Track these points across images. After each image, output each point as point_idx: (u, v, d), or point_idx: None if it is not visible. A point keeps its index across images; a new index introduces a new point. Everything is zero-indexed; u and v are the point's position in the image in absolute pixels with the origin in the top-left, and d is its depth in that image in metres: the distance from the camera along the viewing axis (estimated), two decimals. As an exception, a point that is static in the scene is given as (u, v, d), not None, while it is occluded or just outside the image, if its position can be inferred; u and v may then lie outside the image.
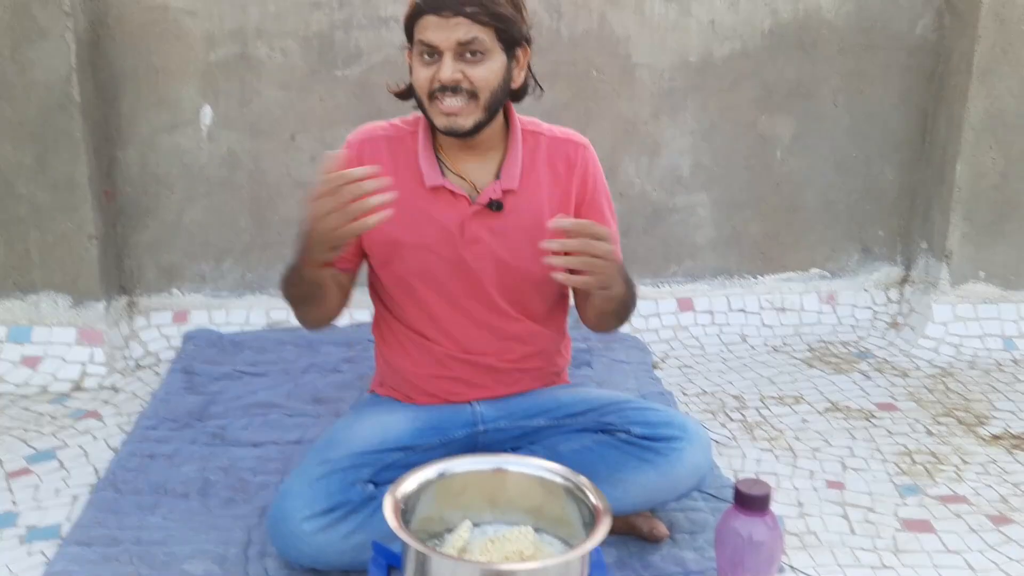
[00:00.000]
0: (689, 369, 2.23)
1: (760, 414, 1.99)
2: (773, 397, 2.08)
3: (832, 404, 2.04)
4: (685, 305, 2.47)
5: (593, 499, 1.04)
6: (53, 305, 2.11)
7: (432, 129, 1.39)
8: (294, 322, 2.29)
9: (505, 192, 1.39)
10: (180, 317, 2.27)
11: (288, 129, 2.25)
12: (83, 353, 2.08)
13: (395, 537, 0.98)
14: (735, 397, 2.07)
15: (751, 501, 1.16)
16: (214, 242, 2.28)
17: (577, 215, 1.42)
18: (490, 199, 1.38)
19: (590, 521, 1.04)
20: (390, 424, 1.45)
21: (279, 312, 2.32)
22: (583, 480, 1.08)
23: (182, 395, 1.92)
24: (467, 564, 0.92)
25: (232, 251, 2.30)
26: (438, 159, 1.40)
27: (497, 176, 1.40)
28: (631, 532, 1.46)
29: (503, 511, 1.12)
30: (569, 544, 1.08)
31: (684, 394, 2.09)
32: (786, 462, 1.78)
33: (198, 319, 2.27)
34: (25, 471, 1.68)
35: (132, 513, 1.51)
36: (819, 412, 2.00)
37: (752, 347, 2.37)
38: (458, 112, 1.30)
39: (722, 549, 1.19)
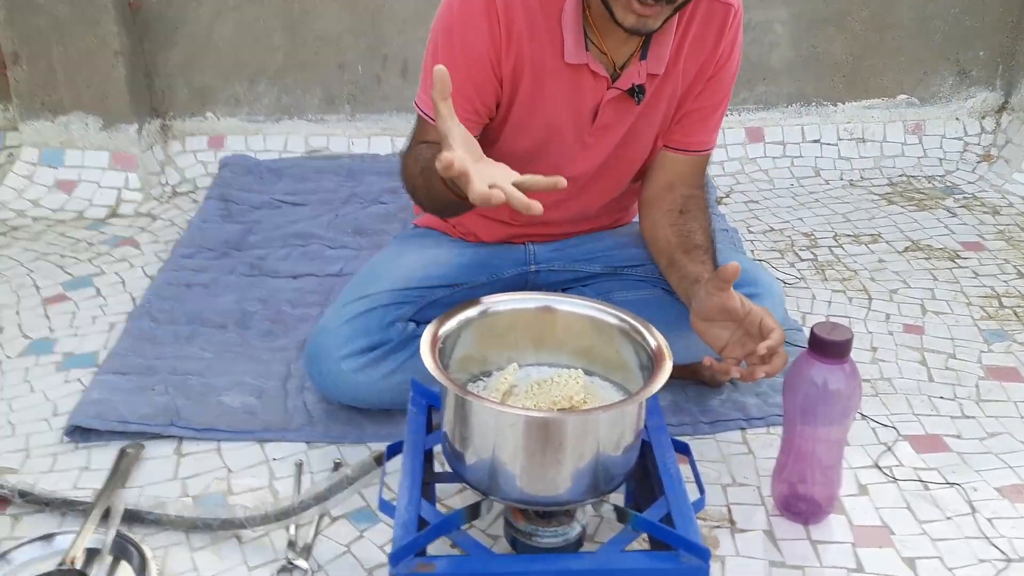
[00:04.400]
0: (756, 205, 2.07)
1: (833, 253, 1.84)
2: (848, 235, 1.91)
3: (913, 243, 1.88)
4: (754, 135, 2.27)
5: (651, 341, 0.93)
6: (83, 127, 2.01)
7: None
8: (334, 149, 2.22)
9: (650, 76, 1.18)
10: (216, 142, 2.16)
11: (321, -68, 2.04)
12: (118, 178, 2.00)
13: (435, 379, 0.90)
14: (806, 235, 1.92)
15: (829, 347, 1.04)
16: (246, 61, 2.13)
17: (700, 87, 1.22)
18: (632, 84, 1.17)
19: (647, 364, 0.93)
20: (435, 259, 1.34)
21: (318, 139, 2.19)
22: (640, 320, 0.96)
23: (219, 223, 1.84)
24: (510, 412, 0.83)
25: (266, 71, 2.14)
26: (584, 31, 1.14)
27: (643, 55, 1.16)
28: (690, 376, 1.36)
29: (551, 353, 1.02)
30: (625, 389, 0.98)
31: (750, 231, 1.94)
32: (860, 304, 1.65)
33: (234, 144, 2.16)
34: (62, 297, 1.63)
35: (168, 343, 1.46)
36: (898, 252, 1.84)
37: (826, 181, 2.19)
38: (652, 14, 1.04)
39: (791, 396, 1.09)
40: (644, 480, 0.98)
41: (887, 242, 1.88)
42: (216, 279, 1.64)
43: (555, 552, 0.93)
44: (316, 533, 1.10)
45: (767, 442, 1.28)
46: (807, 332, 1.54)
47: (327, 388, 1.26)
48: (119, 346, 1.45)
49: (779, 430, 1.29)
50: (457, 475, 0.92)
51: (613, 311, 0.99)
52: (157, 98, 2.13)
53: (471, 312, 0.98)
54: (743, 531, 1.12)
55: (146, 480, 1.20)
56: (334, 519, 1.13)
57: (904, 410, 1.35)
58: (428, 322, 1.30)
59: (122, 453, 1.22)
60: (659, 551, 0.89)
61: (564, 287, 1.38)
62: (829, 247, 1.87)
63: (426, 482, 0.96)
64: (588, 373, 1.01)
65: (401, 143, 2.08)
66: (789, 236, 1.91)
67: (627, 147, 1.25)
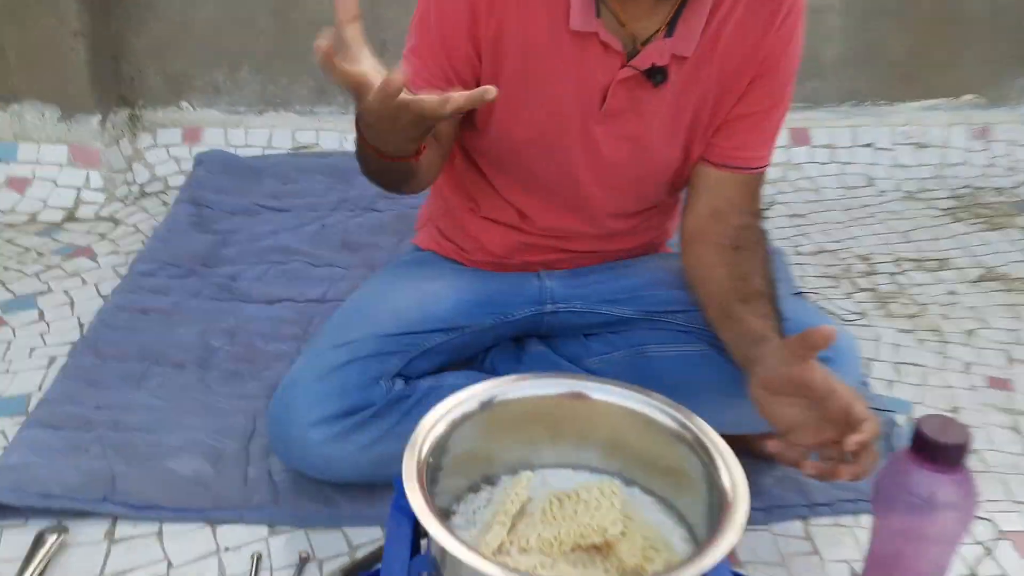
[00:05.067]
0: (802, 220, 1.81)
1: (895, 282, 1.59)
2: (911, 259, 1.66)
3: (987, 270, 1.63)
4: (799, 137, 2.01)
5: (725, 477, 0.68)
6: (39, 118, 1.76)
7: None
8: (325, 146, 1.97)
9: (675, 59, 0.94)
10: (191, 136, 1.91)
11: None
12: (77, 176, 1.76)
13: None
14: (862, 258, 1.67)
15: (941, 452, 0.79)
16: (228, 46, 1.88)
17: (746, 84, 0.98)
18: (652, 64, 0.94)
19: (706, 477, 0.69)
20: (432, 295, 1.10)
21: (307, 134, 1.94)
22: (710, 436, 0.72)
23: (188, 233, 1.60)
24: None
25: (250, 58, 1.89)
26: None
27: (669, 31, 0.93)
28: (741, 447, 1.11)
29: (575, 447, 0.78)
30: (673, 510, 0.74)
31: (797, 253, 1.68)
32: (932, 349, 1.40)
33: (212, 139, 1.91)
34: (-2, 322, 1.40)
35: (113, 386, 1.22)
36: (971, 281, 1.59)
37: (880, 192, 1.93)
38: None
39: (884, 506, 0.84)
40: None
41: (957, 269, 1.63)
42: (178, 304, 1.40)
43: None
44: (271, 662, 0.87)
45: (835, 538, 1.04)
46: (871, 384, 1.30)
47: (291, 460, 1.03)
48: (53, 391, 1.21)
49: (849, 520, 1.05)
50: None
51: (671, 410, 0.73)
52: (125, 85, 1.88)
53: (471, 405, 0.73)
54: (813, 668, 0.89)
55: None
56: (296, 640, 0.90)
57: (1001, 495, 1.11)
58: (420, 376, 1.09)
59: (38, 540, 0.98)
60: None
61: (587, 332, 1.14)
62: (890, 274, 1.62)
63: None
64: (622, 479, 0.77)
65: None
66: (843, 259, 1.66)
67: (646, 145, 1.01)
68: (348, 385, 1.00)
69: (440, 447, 0.70)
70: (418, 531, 0.81)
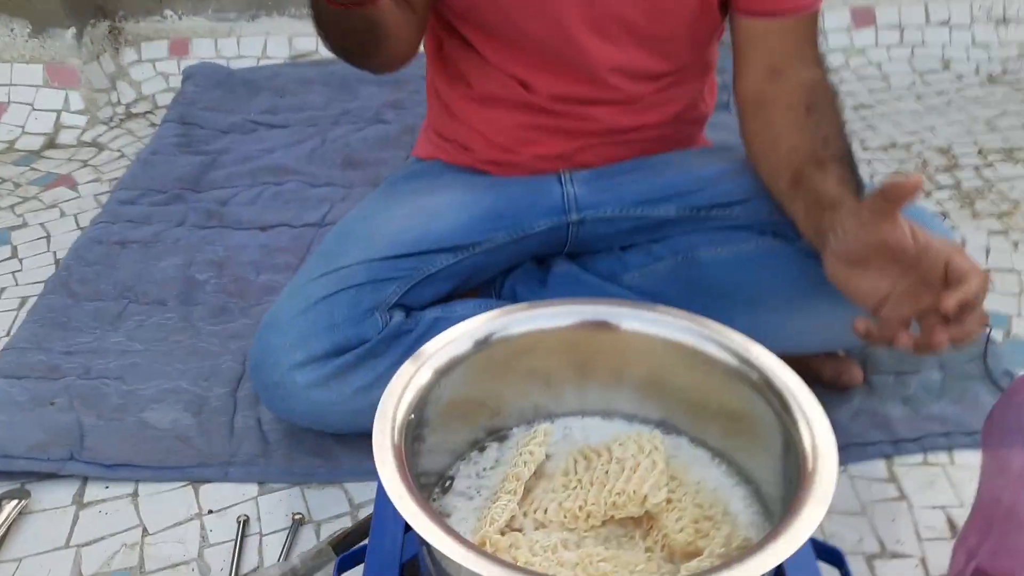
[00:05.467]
0: (868, 111, 1.59)
1: (981, 176, 1.37)
2: (997, 150, 1.44)
3: (1089, 160, 1.40)
4: (863, 18, 1.76)
5: (804, 431, 0.50)
6: (8, 34, 1.60)
7: None
8: (325, 54, 1.77)
9: None
10: (179, 48, 1.73)
11: None
12: (56, 98, 1.60)
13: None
14: (941, 151, 1.45)
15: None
16: (212, -58, 1.68)
17: None
18: None
19: (775, 424, 0.52)
20: (434, 210, 0.92)
21: (305, 40, 1.75)
22: (771, 363, 0.54)
23: (173, 155, 1.44)
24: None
25: (238, -45, 1.70)
26: None
27: None
28: (807, 374, 0.94)
29: (604, 389, 0.61)
30: (731, 462, 0.57)
31: (864, 148, 1.47)
32: (1029, 252, 1.20)
33: (201, 50, 1.73)
34: (-32, 262, 1.26)
35: (86, 328, 1.08)
36: (1070, 172, 1.37)
37: (958, 77, 1.69)
38: None
39: (1001, 444, 0.67)
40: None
41: (1053, 159, 1.41)
42: (160, 235, 1.25)
43: None
44: (256, 647, 0.74)
45: (926, 479, 0.87)
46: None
47: (277, 408, 0.88)
48: (19, 336, 1.08)
49: (942, 458, 0.88)
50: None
51: (727, 339, 0.56)
52: (102, -6, 1.70)
53: (463, 345, 0.56)
54: (906, 642, 0.73)
55: (28, 548, 0.84)
56: (285, 619, 0.76)
57: None
58: (424, 306, 0.92)
59: (-5, 507, 0.86)
60: None
61: (623, 244, 0.96)
62: (975, 167, 1.40)
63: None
64: (665, 429, 0.60)
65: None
66: (919, 154, 1.44)
67: None
68: (336, 319, 0.85)
69: (426, 402, 0.54)
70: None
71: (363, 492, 0.89)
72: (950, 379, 0.97)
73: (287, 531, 0.84)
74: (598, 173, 0.94)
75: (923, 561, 0.79)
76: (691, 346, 0.57)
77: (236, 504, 0.88)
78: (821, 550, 0.59)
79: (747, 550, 0.42)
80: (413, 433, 0.52)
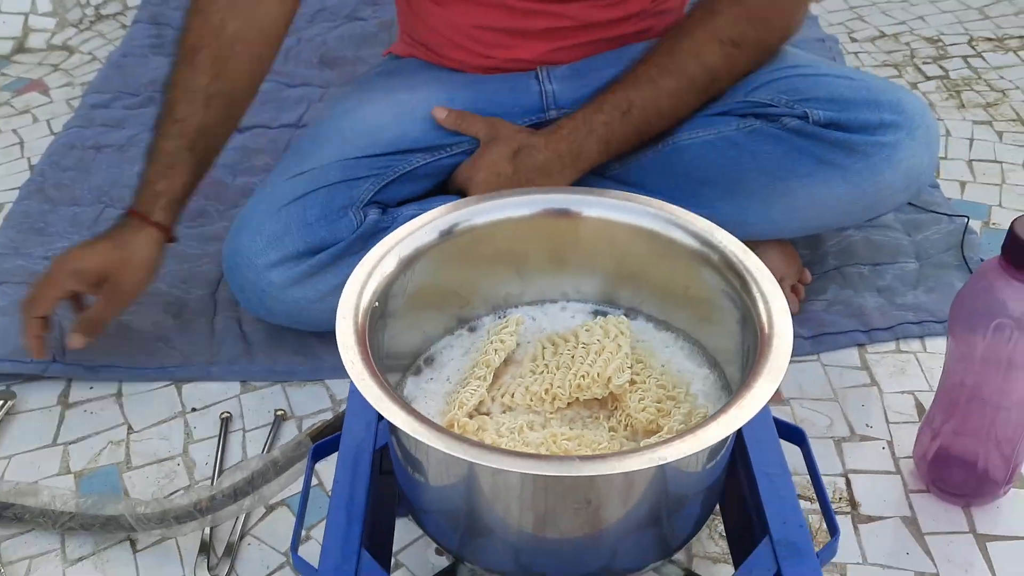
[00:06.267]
0: (858, 1, 1.55)
1: (970, 66, 1.35)
2: (989, 39, 1.41)
3: (1081, 48, 1.37)
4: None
5: (760, 305, 0.51)
6: (-33, -67, 1.53)
7: None
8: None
9: None
10: (147, -56, 1.67)
11: None
12: (21, 0, 1.55)
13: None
14: (930, 41, 1.42)
15: (1048, 260, 0.62)
16: None
17: None
18: None
19: (738, 306, 0.53)
20: (409, 109, 0.91)
21: (277, -67, 1.67)
22: (733, 245, 0.54)
23: (145, 57, 1.40)
24: (502, 466, 0.43)
25: None
26: None
27: None
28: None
29: (571, 278, 0.61)
30: (694, 343, 0.58)
31: (852, 40, 1.44)
32: (1016, 142, 1.19)
33: (171, -54, 1.67)
34: (-59, 169, 1.25)
35: (64, 233, 1.08)
36: (1061, 61, 1.35)
37: (952, -37, 1.64)
38: None
39: (964, 324, 0.68)
40: (733, 496, 0.60)
41: (1044, 47, 1.38)
42: (135, 138, 1.23)
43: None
44: (242, 535, 0.76)
45: (897, 366, 0.89)
46: (943, 190, 1.10)
47: (254, 308, 0.88)
48: (-4, 241, 1.07)
49: (914, 346, 0.89)
50: (416, 522, 0.54)
51: (690, 224, 0.56)
52: None
53: (428, 235, 0.56)
54: (870, 519, 0.75)
55: (16, 446, 0.86)
56: (270, 508, 0.79)
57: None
58: (400, 205, 0.92)
59: (-19, 409, 0.87)
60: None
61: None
62: (964, 57, 1.37)
63: (379, 504, 0.59)
64: (632, 315, 0.61)
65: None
66: (907, 44, 1.41)
67: None
68: (309, 218, 0.84)
69: (391, 290, 0.54)
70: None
71: (345, 389, 0.90)
72: (926, 268, 0.98)
73: (270, 427, 0.86)
74: (575, 69, 0.93)
75: (890, 443, 0.81)
76: (655, 231, 0.56)
77: (219, 402, 0.89)
78: (784, 430, 0.60)
79: (700, 422, 0.43)
80: (378, 322, 0.53)
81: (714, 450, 0.48)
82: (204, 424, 0.87)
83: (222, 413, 0.87)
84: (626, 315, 0.60)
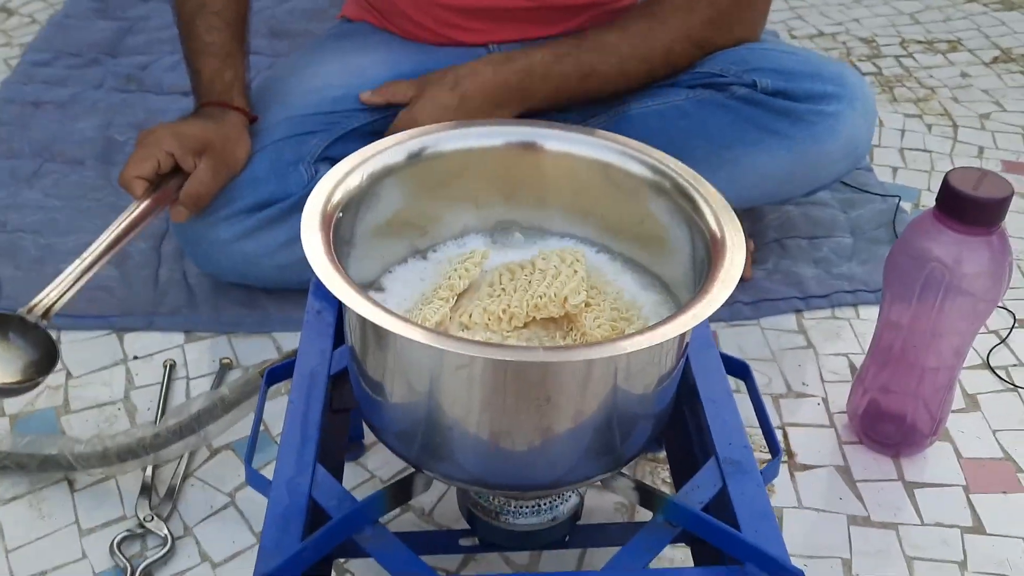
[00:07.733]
0: (799, 1, 1.61)
1: (902, 65, 1.41)
2: (919, 41, 1.48)
3: (1003, 52, 1.45)
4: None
5: (710, 220, 0.53)
6: None
7: None
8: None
9: None
10: (93, -89, 1.63)
11: None
12: (-42, -41, 1.50)
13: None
14: (865, 41, 1.48)
15: (974, 209, 0.65)
16: None
17: None
18: None
19: (693, 232, 0.55)
20: (358, 69, 0.92)
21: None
22: (687, 172, 0.56)
23: (89, 19, 1.38)
24: (458, 349, 0.44)
25: None
26: None
27: None
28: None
29: (535, 209, 0.63)
30: (651, 275, 0.60)
31: (792, 36, 1.50)
32: (942, 134, 1.25)
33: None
34: None
35: (1, 184, 1.05)
36: (984, 63, 1.42)
37: (886, -28, 1.71)
38: None
39: (897, 276, 0.71)
40: (678, 427, 0.61)
41: (970, 51, 1.45)
42: (77, 96, 1.21)
43: (535, 536, 0.58)
44: (185, 476, 0.75)
45: (832, 331, 0.92)
46: (876, 174, 1.15)
47: (202, 263, 0.88)
48: (-72, 191, 1.04)
49: (848, 313, 0.93)
50: (374, 432, 0.55)
51: (645, 156, 0.58)
52: None
53: (396, 155, 0.57)
54: (805, 467, 0.78)
55: (-54, 391, 0.83)
56: (214, 451, 0.78)
57: (1018, 283, 0.99)
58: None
59: (-92, 354, 0.84)
60: (712, 566, 0.54)
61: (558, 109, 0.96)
62: (896, 57, 1.44)
63: (331, 436, 0.59)
64: (593, 246, 0.62)
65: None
66: (844, 43, 1.48)
67: None
68: (258, 173, 0.84)
69: (355, 204, 0.55)
70: (342, 323, 0.67)
71: (292, 341, 0.89)
72: (860, 243, 1.02)
73: (214, 375, 0.85)
74: (526, 45, 0.94)
75: (825, 400, 0.84)
76: (611, 163, 0.58)
77: (162, 351, 0.88)
78: (730, 364, 0.63)
79: (650, 325, 0.45)
80: (341, 235, 0.53)
81: (668, 361, 0.49)
82: (147, 371, 0.85)
83: (165, 360, 0.86)
84: (584, 245, 0.62)
